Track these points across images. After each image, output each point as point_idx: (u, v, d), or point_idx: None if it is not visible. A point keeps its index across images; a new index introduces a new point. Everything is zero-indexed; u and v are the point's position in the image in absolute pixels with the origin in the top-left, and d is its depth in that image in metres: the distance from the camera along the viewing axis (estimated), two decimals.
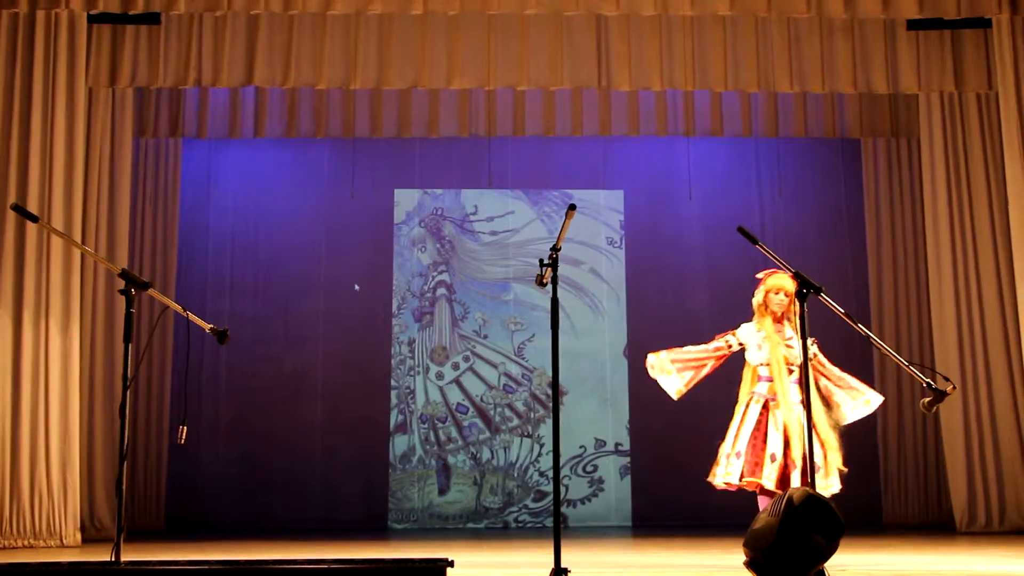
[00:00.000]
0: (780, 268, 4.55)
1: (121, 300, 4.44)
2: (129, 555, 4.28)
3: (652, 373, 5.55)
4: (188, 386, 8.58)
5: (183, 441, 4.43)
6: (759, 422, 5.34)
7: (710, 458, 5.48)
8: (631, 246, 9.60)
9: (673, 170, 9.61)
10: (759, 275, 5.58)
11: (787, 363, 5.36)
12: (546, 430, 9.27)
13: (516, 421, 9.33)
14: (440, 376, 9.38)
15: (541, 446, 9.27)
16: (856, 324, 5.11)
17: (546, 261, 4.15)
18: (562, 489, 9.06)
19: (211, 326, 4.50)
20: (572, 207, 4.34)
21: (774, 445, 5.26)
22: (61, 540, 6.99)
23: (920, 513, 8.73)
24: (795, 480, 5.14)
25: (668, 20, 7.71)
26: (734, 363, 5.64)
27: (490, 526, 9.11)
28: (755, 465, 5.24)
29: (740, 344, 5.55)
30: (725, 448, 5.41)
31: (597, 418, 9.34)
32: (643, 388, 9.27)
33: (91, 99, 7.65)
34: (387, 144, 9.34)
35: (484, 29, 7.67)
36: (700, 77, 7.74)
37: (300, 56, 7.62)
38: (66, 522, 7.04)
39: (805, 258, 8.80)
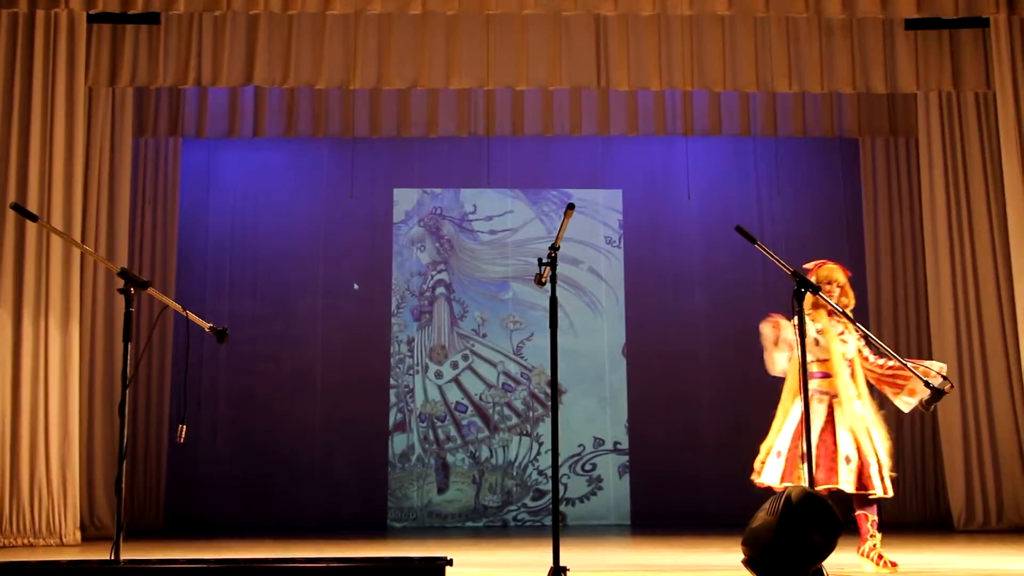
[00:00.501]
0: (780, 267, 4.55)
1: (120, 299, 4.45)
2: (128, 554, 4.30)
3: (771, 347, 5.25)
4: (187, 385, 8.60)
5: (182, 440, 4.44)
6: (826, 422, 5.11)
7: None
8: (630, 245, 9.60)
9: (672, 169, 9.61)
10: (807, 265, 5.39)
11: (845, 359, 5.21)
12: (545, 429, 9.27)
13: (515, 420, 9.33)
14: (439, 375, 9.39)
15: (540, 445, 9.28)
16: (854, 323, 5.12)
17: (545, 260, 4.16)
18: (561, 488, 9.07)
19: (210, 325, 4.50)
20: (571, 206, 4.34)
21: (846, 446, 5.06)
22: (61, 539, 7.00)
23: (918, 511, 8.71)
24: (874, 478, 5.02)
25: (667, 20, 7.72)
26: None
27: (489, 525, 9.12)
28: (829, 471, 4.98)
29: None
30: (778, 446, 5.12)
31: (596, 417, 9.34)
32: (642, 387, 9.32)
33: (91, 99, 7.66)
34: (386, 144, 9.35)
35: (483, 29, 7.68)
36: (699, 77, 7.75)
37: (299, 56, 7.63)
38: (66, 521, 7.05)
39: (803, 257, 8.73)
